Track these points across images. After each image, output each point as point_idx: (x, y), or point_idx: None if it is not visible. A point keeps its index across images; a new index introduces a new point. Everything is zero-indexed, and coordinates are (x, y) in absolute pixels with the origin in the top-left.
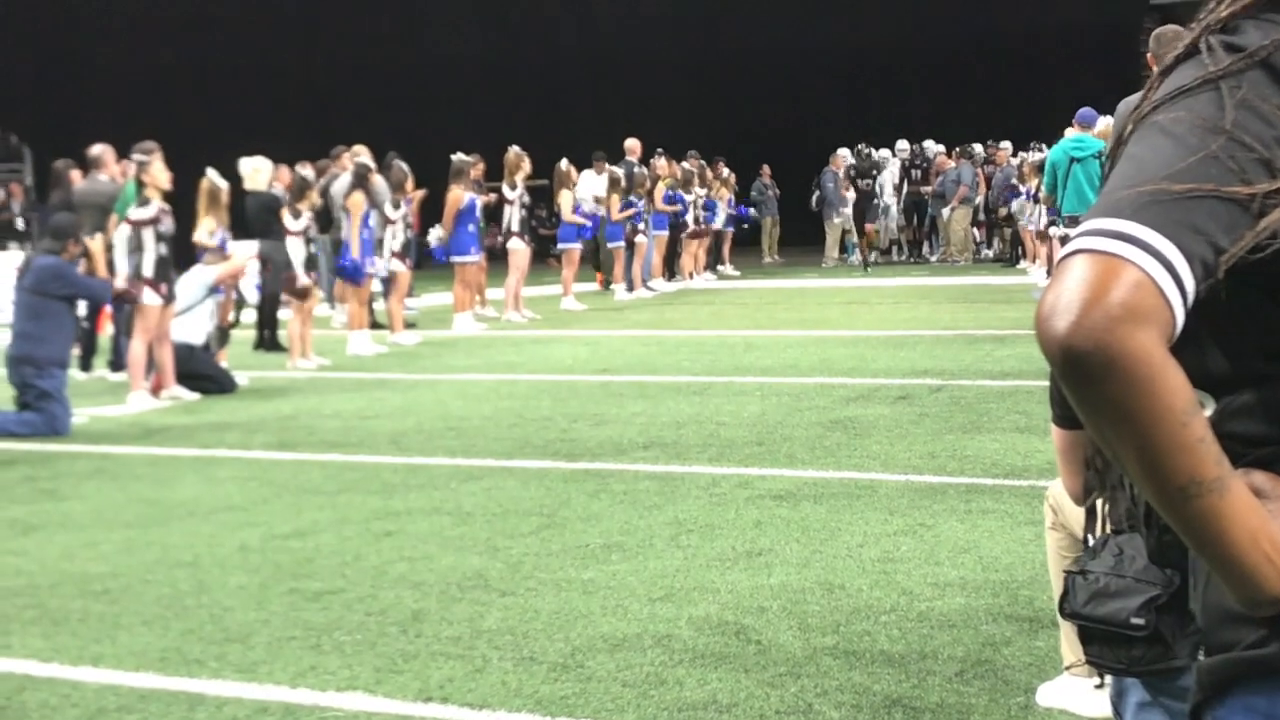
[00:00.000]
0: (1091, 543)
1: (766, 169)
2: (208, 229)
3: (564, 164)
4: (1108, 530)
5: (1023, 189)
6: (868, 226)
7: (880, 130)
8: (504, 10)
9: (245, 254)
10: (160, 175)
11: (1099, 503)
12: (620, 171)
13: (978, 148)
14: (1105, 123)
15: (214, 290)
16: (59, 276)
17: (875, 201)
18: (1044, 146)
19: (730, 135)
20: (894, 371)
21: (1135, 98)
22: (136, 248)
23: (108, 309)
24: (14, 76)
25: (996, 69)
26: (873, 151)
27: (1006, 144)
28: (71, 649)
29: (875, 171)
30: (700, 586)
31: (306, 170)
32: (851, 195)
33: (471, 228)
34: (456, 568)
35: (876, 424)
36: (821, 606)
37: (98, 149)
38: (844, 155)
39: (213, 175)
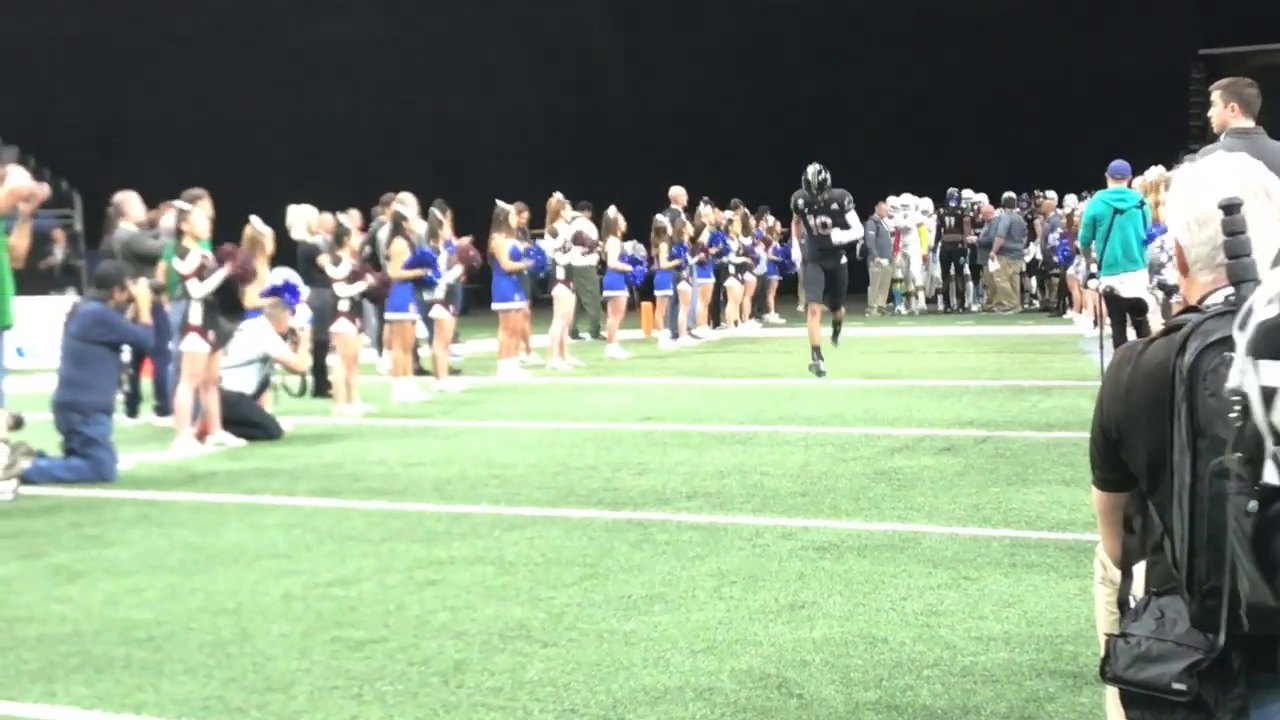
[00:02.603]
0: (1132, 605)
1: None
2: (257, 288)
3: (611, 211)
4: (1150, 592)
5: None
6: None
7: (923, 178)
8: (555, 60)
9: (305, 354)
10: (199, 224)
11: (1137, 565)
12: (665, 220)
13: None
14: (1157, 172)
15: (267, 360)
16: (103, 322)
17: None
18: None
19: (779, 184)
20: (939, 422)
21: (1214, 147)
22: (183, 295)
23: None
24: (65, 122)
25: (1039, 117)
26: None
27: (1052, 193)
28: (115, 697)
29: (836, 206)
30: (743, 639)
31: (346, 217)
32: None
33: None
34: (499, 618)
35: (921, 475)
36: (864, 660)
37: (119, 196)
38: (890, 204)
39: (255, 222)
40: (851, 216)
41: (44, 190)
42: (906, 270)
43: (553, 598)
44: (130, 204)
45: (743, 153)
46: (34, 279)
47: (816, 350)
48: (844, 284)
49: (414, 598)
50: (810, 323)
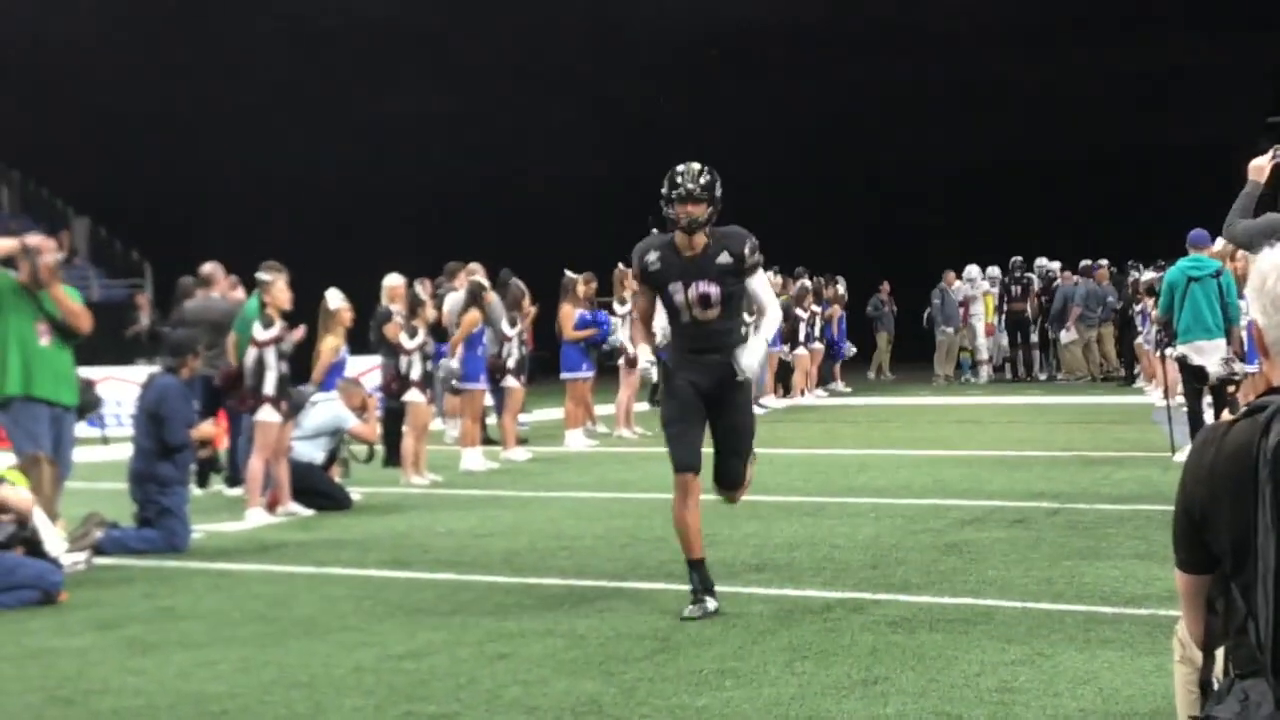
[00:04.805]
0: (1215, 687)
1: (885, 285)
2: (328, 357)
3: None
4: (1232, 674)
5: (1137, 308)
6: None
7: (993, 247)
8: (620, 128)
9: (375, 425)
10: (281, 295)
11: (1220, 648)
12: None
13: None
14: (1221, 244)
15: (338, 432)
16: (163, 400)
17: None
18: (1140, 266)
19: (849, 252)
20: (1010, 493)
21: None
22: (258, 366)
23: (224, 424)
24: (134, 194)
25: (1105, 187)
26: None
27: (1104, 262)
28: None
29: (728, 258)
30: (815, 715)
31: (420, 287)
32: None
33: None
34: (571, 692)
35: (993, 548)
36: None
37: (208, 267)
38: (972, 272)
39: (330, 295)
40: (759, 282)
41: (37, 242)
42: (973, 340)
43: (624, 672)
44: (218, 275)
45: (805, 221)
46: (119, 348)
47: (696, 568)
48: (747, 429)
49: (485, 671)
50: (677, 508)
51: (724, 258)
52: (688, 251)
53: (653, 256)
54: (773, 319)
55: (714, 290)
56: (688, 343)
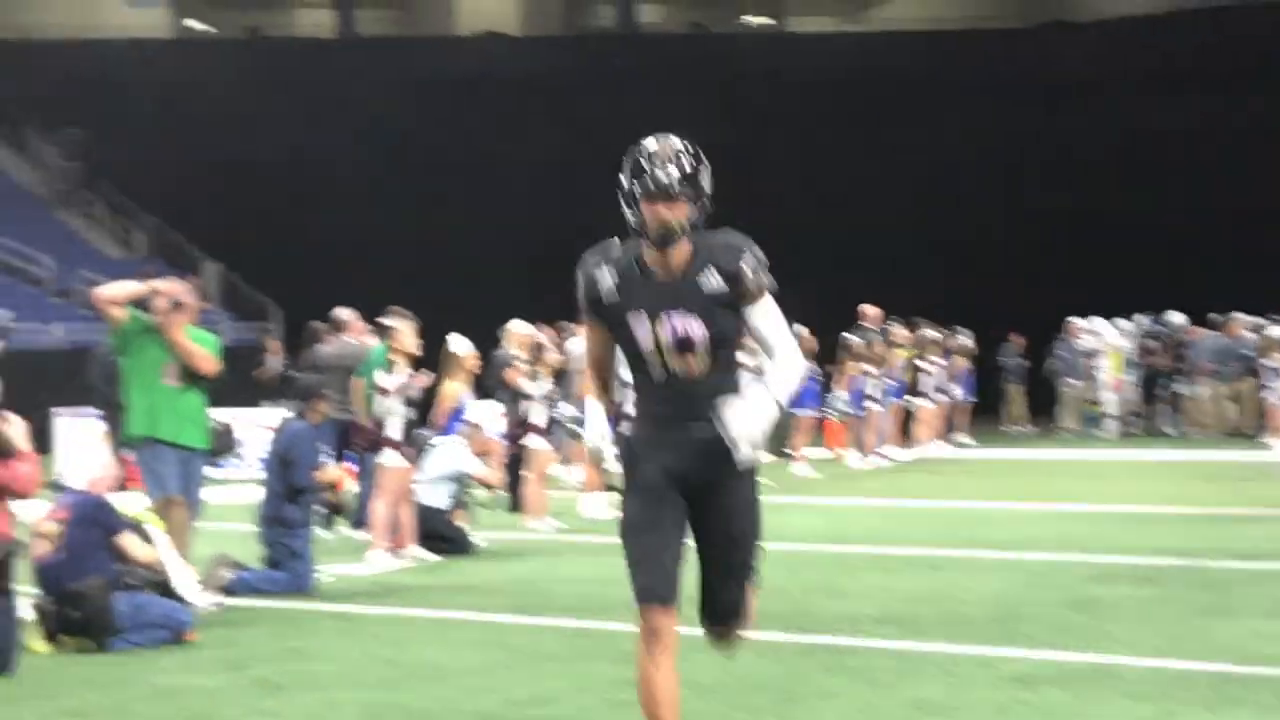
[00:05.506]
0: None
1: (1019, 338)
2: (448, 402)
3: (805, 331)
4: None
5: (1266, 363)
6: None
7: (1121, 300)
8: (729, 174)
9: (498, 471)
10: (409, 342)
11: None
12: (855, 339)
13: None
14: None
15: (464, 477)
16: (292, 445)
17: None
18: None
19: (976, 303)
20: (1137, 549)
21: None
22: (384, 412)
23: (353, 467)
24: (263, 239)
25: (1243, 239)
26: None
27: (1240, 315)
28: None
29: (716, 283)
30: None
31: (541, 334)
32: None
33: None
34: None
35: (1120, 605)
36: None
37: (344, 313)
38: (1078, 323)
39: (453, 340)
40: (765, 314)
41: (161, 286)
42: (1097, 393)
43: None
44: (353, 320)
45: (943, 271)
46: (249, 390)
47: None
48: (748, 537)
49: (609, 719)
50: (642, 664)
51: (710, 279)
52: (659, 271)
53: (607, 277)
54: (786, 370)
55: (697, 328)
56: (659, 408)
